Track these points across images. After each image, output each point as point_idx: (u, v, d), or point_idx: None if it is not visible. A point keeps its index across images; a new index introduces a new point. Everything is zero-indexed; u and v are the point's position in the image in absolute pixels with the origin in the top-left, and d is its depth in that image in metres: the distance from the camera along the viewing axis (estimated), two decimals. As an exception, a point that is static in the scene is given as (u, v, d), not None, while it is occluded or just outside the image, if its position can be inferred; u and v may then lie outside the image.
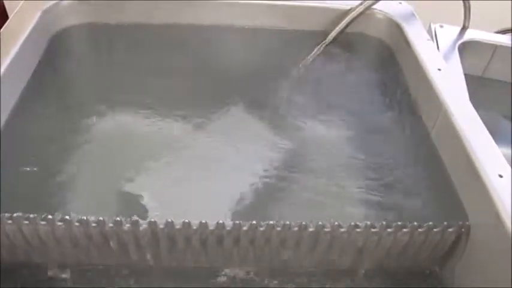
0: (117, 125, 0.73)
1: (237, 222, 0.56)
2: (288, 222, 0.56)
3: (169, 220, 0.55)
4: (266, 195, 0.64)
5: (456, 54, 0.97)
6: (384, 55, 0.90)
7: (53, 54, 0.83)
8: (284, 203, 0.63)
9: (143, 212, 0.59)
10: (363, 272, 0.62)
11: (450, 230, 0.58)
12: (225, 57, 0.88)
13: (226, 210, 0.61)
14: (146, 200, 0.61)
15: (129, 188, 0.63)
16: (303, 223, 0.56)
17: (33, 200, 0.60)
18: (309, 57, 0.87)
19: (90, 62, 0.87)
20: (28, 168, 0.63)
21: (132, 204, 0.61)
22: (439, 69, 0.74)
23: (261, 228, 0.56)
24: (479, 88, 1.01)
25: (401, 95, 0.79)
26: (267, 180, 0.65)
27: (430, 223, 0.58)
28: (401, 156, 0.69)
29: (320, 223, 0.56)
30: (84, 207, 0.60)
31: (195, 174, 0.66)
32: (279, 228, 0.56)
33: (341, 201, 0.63)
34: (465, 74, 0.91)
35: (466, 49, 1.01)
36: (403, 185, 0.65)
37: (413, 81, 0.80)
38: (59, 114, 0.73)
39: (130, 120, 0.73)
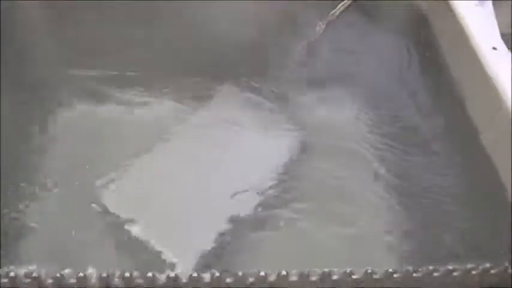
0: (82, 111, 0.65)
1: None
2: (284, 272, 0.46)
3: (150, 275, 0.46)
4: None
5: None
6: (418, 23, 0.71)
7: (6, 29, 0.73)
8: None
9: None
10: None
11: (492, 272, 0.47)
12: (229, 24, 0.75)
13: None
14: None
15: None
16: (306, 271, 0.47)
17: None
18: (321, 23, 0.73)
19: (45, 36, 0.74)
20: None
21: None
22: (494, 48, 0.57)
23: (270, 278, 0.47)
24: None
25: (441, 80, 0.64)
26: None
27: (469, 266, 0.47)
28: (446, 164, 0.57)
29: (326, 270, 0.46)
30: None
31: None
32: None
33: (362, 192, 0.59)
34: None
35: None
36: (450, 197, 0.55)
37: (456, 61, 0.63)
38: (16, 96, 0.65)
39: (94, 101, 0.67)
